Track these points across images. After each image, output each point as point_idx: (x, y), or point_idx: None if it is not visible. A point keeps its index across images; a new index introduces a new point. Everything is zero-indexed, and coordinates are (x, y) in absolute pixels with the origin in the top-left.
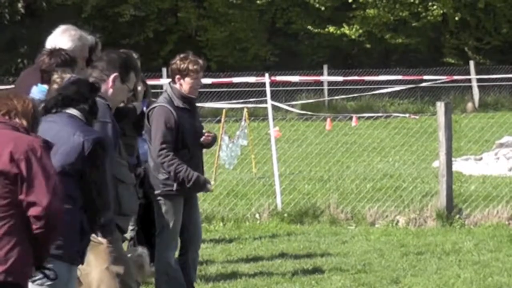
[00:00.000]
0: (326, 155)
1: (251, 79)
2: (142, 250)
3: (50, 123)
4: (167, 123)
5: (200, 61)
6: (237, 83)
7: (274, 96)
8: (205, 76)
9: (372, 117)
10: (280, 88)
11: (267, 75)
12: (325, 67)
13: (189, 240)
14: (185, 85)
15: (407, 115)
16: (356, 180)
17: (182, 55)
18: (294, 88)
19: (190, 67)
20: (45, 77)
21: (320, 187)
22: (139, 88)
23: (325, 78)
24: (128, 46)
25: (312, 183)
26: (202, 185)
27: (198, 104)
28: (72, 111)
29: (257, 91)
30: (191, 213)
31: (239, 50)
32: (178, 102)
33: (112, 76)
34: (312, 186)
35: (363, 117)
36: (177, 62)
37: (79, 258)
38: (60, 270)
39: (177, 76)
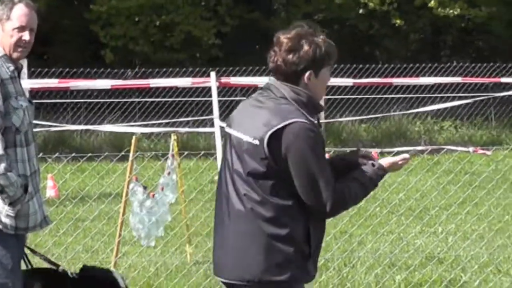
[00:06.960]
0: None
1: (185, 82)
2: None
3: None
4: (322, 149)
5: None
6: (157, 89)
7: (227, 109)
8: (98, 75)
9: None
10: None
11: (213, 74)
12: None
13: None
14: (318, 85)
15: None
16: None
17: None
18: None
19: (331, 50)
20: None
21: None
22: None
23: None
24: None
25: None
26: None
27: (91, 127)
28: None
29: (194, 104)
30: None
31: (159, 27)
32: (311, 117)
33: None
34: None
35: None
36: (310, 50)
37: None
38: None
39: (309, 72)
